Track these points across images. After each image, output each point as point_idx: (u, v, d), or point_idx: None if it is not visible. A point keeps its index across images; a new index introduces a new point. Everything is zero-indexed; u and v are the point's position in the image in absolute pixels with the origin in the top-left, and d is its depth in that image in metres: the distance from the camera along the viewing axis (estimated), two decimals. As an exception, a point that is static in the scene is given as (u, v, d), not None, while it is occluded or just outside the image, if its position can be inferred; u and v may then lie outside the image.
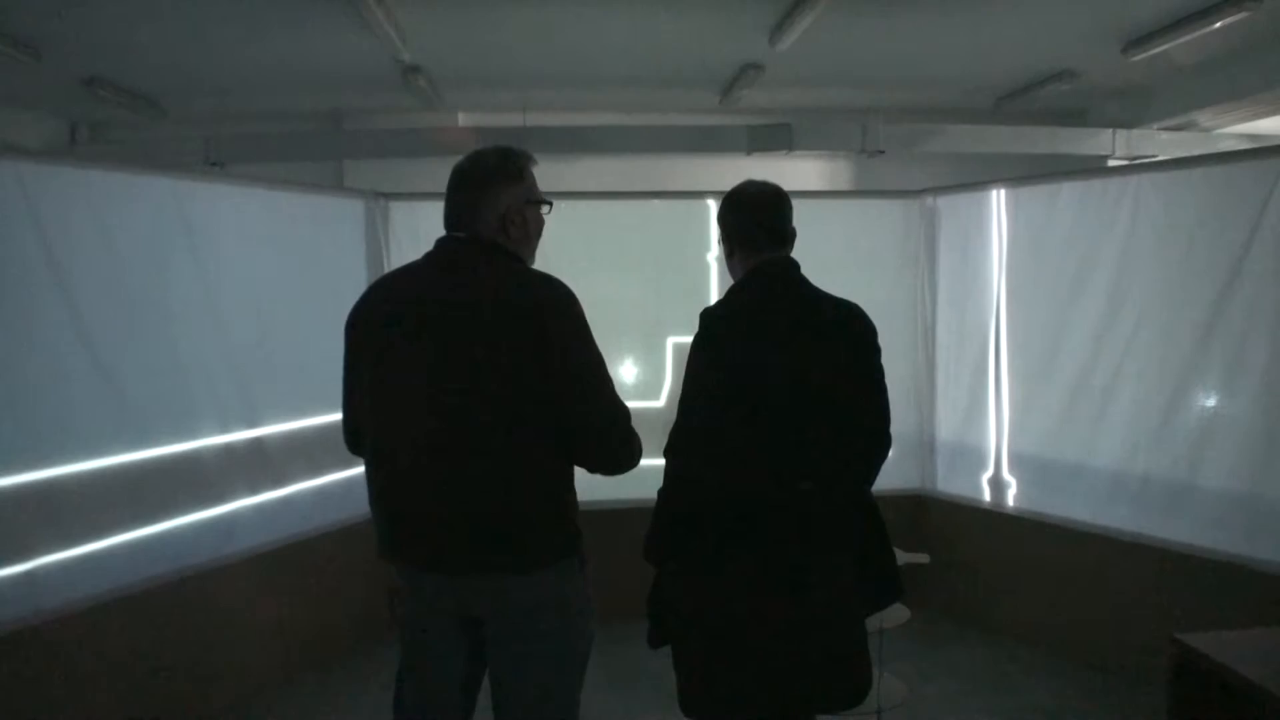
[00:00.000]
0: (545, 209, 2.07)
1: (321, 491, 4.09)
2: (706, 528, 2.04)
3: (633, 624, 2.13)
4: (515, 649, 1.95)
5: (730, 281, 2.26)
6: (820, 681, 2.08)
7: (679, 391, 2.15)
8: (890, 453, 2.16)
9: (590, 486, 2.01)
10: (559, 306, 1.90)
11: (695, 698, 2.10)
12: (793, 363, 2.06)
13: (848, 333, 2.12)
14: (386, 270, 4.16)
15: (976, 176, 4.64)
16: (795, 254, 2.22)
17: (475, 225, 1.96)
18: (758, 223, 2.19)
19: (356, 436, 2.07)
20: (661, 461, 2.10)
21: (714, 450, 2.04)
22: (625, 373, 4.50)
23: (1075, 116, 5.58)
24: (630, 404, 1.98)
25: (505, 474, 1.87)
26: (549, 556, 1.93)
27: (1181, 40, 3.90)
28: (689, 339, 2.14)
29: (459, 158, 2.03)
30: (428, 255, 2.00)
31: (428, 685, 2.04)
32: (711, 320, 2.14)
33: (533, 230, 2.04)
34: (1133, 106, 5.28)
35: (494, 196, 1.97)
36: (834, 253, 3.96)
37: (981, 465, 4.45)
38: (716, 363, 2.08)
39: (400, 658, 2.08)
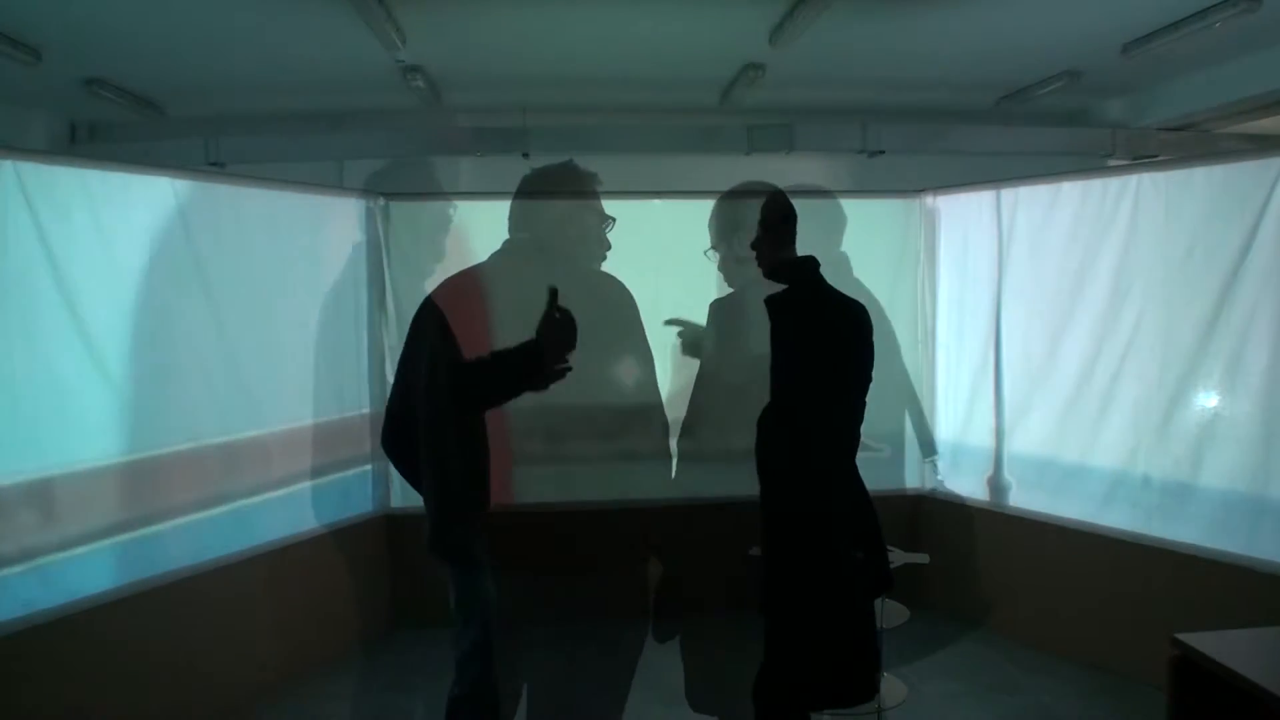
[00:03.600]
0: (608, 224, 2.28)
1: (321, 491, 4.09)
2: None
3: (630, 623, 2.13)
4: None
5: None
6: (832, 676, 2.09)
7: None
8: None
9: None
10: (623, 300, 2.22)
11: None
12: (838, 351, 2.12)
13: (865, 330, 2.21)
14: (386, 269, 4.18)
15: (976, 177, 4.63)
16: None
17: (536, 228, 2.19)
18: (794, 221, 2.32)
19: (400, 431, 2.13)
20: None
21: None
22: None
23: (1075, 116, 5.56)
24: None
25: None
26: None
27: (1181, 40, 3.89)
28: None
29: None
30: (495, 254, 2.21)
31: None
32: (784, 307, 2.15)
33: (592, 237, 2.28)
34: (1133, 106, 5.27)
35: (553, 202, 2.21)
36: (834, 253, 3.96)
37: (982, 465, 4.45)
38: (801, 345, 2.13)
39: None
